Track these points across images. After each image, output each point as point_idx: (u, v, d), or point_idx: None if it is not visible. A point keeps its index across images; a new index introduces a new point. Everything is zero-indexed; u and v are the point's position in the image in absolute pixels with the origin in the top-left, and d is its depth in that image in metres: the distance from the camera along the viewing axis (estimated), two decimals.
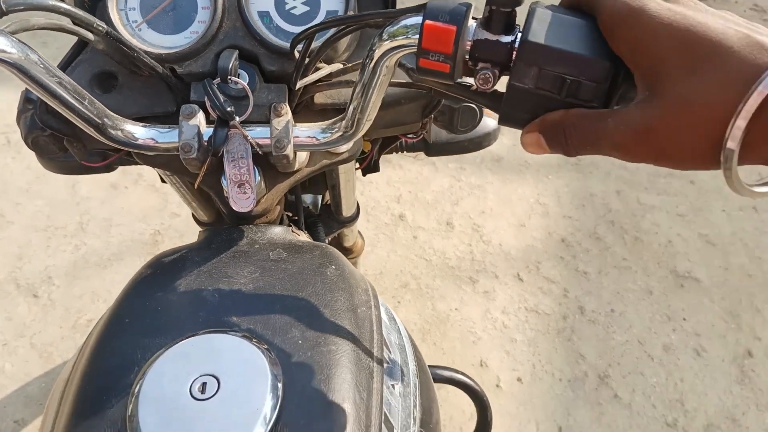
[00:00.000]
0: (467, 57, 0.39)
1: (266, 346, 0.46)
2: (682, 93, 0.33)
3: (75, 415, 0.45)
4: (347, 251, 1.17)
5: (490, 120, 0.78)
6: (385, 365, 0.52)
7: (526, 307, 1.70)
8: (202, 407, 0.42)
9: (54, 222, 1.90)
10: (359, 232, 1.23)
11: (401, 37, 0.40)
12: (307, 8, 0.57)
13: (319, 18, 0.58)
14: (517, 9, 0.37)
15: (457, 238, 1.88)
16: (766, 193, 0.34)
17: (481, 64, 0.39)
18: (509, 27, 0.38)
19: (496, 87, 0.41)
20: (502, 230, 1.91)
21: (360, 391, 0.46)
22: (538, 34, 0.36)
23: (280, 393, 0.43)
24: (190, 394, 0.43)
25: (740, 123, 0.30)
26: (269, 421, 0.42)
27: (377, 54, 0.42)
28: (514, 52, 0.38)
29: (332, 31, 0.50)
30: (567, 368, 1.57)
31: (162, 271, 0.55)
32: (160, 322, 0.49)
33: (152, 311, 0.50)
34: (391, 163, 2.09)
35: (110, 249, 1.83)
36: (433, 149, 0.80)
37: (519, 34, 0.38)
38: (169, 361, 0.45)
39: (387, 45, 0.41)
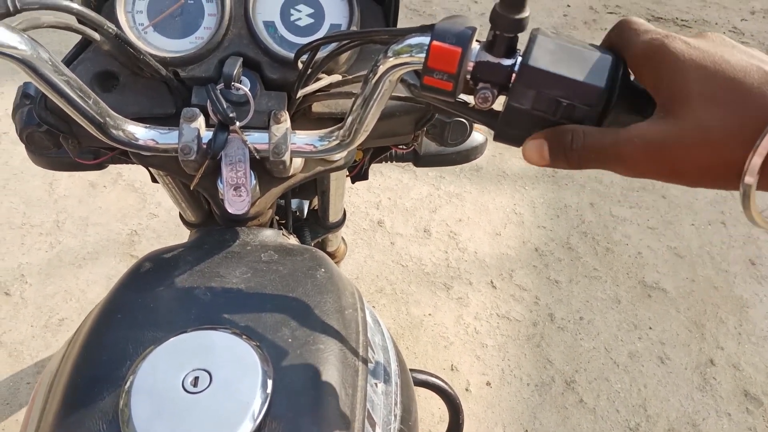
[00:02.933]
0: (469, 77, 0.41)
1: (257, 344, 0.47)
2: (702, 118, 0.34)
3: (66, 407, 0.45)
4: (330, 256, 1.19)
5: (478, 134, 0.80)
6: (369, 365, 0.54)
7: (497, 314, 1.74)
8: (194, 400, 0.43)
9: (30, 220, 1.88)
10: (342, 238, 1.25)
11: (405, 55, 0.42)
12: (312, 20, 0.59)
13: (323, 30, 0.59)
14: (519, 34, 0.40)
15: (434, 245, 1.91)
16: None
17: (481, 84, 0.41)
18: (511, 51, 0.40)
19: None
20: (478, 238, 1.94)
21: (345, 388, 0.48)
22: (538, 60, 0.39)
23: (269, 388, 0.44)
24: (183, 387, 0.44)
25: (756, 160, 0.32)
26: (258, 414, 0.43)
27: (381, 69, 0.44)
28: (514, 75, 0.40)
29: (336, 44, 0.52)
30: (535, 373, 1.61)
31: (154, 269, 0.55)
32: (153, 318, 0.50)
33: (144, 307, 0.51)
34: (373, 170, 2.10)
35: (86, 248, 1.81)
36: (422, 160, 0.82)
37: (519, 58, 0.40)
38: (161, 356, 0.45)
39: (391, 61, 0.43)
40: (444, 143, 0.69)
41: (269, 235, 0.61)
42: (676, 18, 3.09)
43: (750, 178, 0.33)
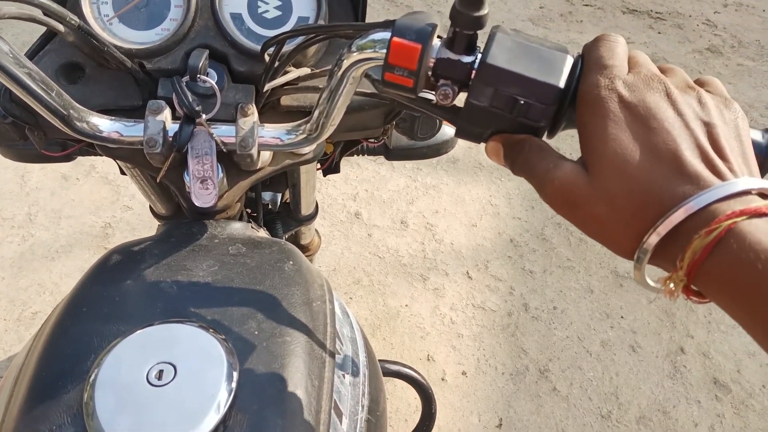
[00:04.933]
0: (430, 73, 0.41)
1: (223, 336, 0.47)
2: (610, 184, 0.35)
3: (30, 400, 0.44)
4: (304, 249, 1.19)
5: (448, 128, 0.80)
6: (336, 356, 0.54)
7: (473, 304, 1.75)
8: (158, 393, 0.43)
9: (1, 213, 1.85)
10: (316, 231, 1.25)
11: (369, 50, 0.42)
12: (279, 13, 0.59)
13: (291, 23, 0.59)
14: (479, 32, 0.40)
15: (411, 237, 1.92)
16: (657, 289, 0.37)
17: (442, 81, 0.41)
18: (471, 48, 0.40)
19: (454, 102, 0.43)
20: (454, 230, 1.96)
21: (312, 380, 0.48)
22: (496, 57, 0.39)
23: (234, 380, 0.44)
24: (147, 380, 0.43)
25: (653, 239, 0.34)
26: (223, 407, 0.43)
27: (345, 64, 0.44)
28: (473, 72, 0.40)
29: (303, 37, 0.52)
30: (509, 362, 1.63)
31: (121, 262, 0.55)
32: (118, 311, 0.50)
33: (110, 300, 0.51)
34: (350, 162, 2.11)
35: (59, 241, 1.79)
36: (392, 154, 0.82)
37: (479, 56, 0.40)
38: (126, 349, 0.45)
39: (355, 56, 0.43)
40: (414, 137, 0.70)
41: (237, 228, 0.61)
42: (650, 11, 3.13)
43: (644, 251, 0.34)
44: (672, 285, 0.34)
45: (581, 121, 0.38)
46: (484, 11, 0.38)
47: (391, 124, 0.66)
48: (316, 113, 0.51)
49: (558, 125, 0.41)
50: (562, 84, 0.39)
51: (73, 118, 0.51)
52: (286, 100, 0.60)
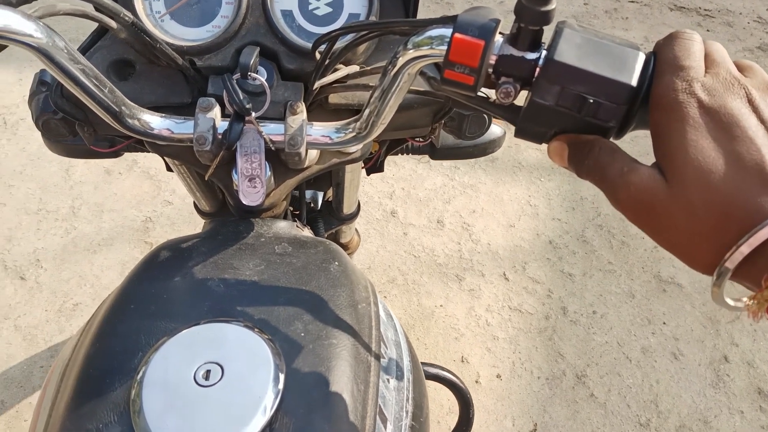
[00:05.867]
0: (490, 70, 0.40)
1: (270, 337, 0.47)
2: (691, 195, 0.33)
3: (77, 397, 0.45)
4: (343, 247, 1.18)
5: (496, 127, 0.78)
6: (381, 360, 0.53)
7: (509, 306, 1.73)
8: (205, 394, 0.43)
9: (46, 205, 1.89)
10: (356, 229, 1.25)
11: (426, 47, 0.41)
12: (330, 9, 0.58)
13: (342, 20, 0.58)
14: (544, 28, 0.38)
15: (447, 236, 1.90)
16: (736, 308, 0.35)
17: (503, 78, 0.40)
18: (535, 44, 0.39)
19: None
20: (492, 230, 1.93)
21: (357, 384, 0.47)
22: (564, 54, 0.37)
23: (281, 382, 0.44)
24: (194, 380, 0.43)
25: (736, 256, 0.32)
26: (270, 409, 0.42)
27: (401, 61, 0.43)
28: (538, 69, 0.38)
29: (354, 34, 0.51)
30: (546, 366, 1.60)
31: (168, 259, 0.55)
32: (166, 309, 0.50)
33: (158, 297, 0.51)
34: (387, 160, 2.10)
35: (101, 234, 1.83)
36: (438, 153, 0.80)
37: (544, 52, 0.38)
38: (173, 348, 0.45)
39: (411, 54, 0.42)
40: (462, 136, 0.68)
41: (283, 226, 0.61)
42: (699, 8, 3.03)
43: (730, 264, 0.32)
44: (755, 304, 0.32)
45: (656, 124, 0.36)
46: (551, 6, 0.37)
47: (440, 123, 0.64)
48: (367, 112, 0.50)
49: (627, 126, 0.39)
50: (634, 82, 0.37)
51: (124, 115, 0.51)
52: (334, 98, 0.59)
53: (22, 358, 1.53)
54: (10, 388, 1.48)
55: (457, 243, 1.89)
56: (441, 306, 1.72)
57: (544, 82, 0.38)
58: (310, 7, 0.58)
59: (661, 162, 0.35)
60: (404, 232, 1.91)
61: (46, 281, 1.70)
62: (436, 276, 1.79)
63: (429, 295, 1.74)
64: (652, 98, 0.37)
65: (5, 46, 0.42)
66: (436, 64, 0.44)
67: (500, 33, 0.40)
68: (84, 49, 0.57)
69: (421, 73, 0.46)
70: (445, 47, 0.39)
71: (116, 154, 0.72)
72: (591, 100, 0.37)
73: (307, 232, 0.65)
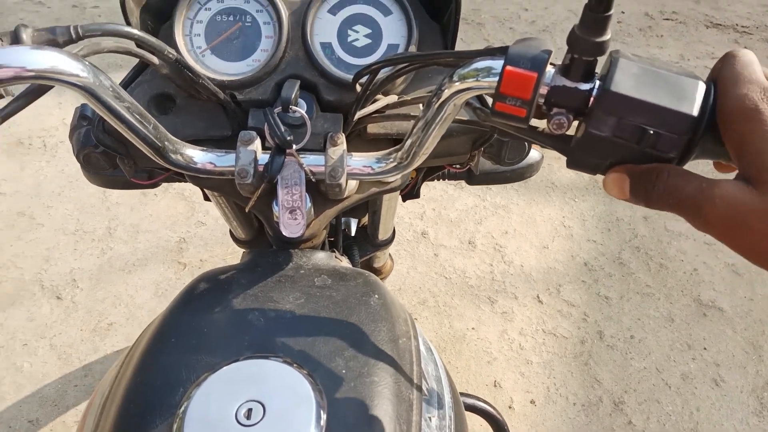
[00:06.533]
0: (542, 101, 0.39)
1: (311, 373, 0.46)
2: None
3: (119, 430, 0.44)
4: (376, 272, 1.18)
5: (534, 151, 0.77)
6: (423, 397, 0.52)
7: (543, 330, 1.69)
8: None
9: (83, 226, 1.93)
10: (390, 254, 1.24)
11: (473, 80, 0.41)
12: (369, 41, 0.58)
13: (381, 51, 0.58)
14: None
15: (479, 258, 1.88)
16: None
17: (555, 109, 0.39)
18: (589, 75, 0.38)
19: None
20: (525, 251, 1.91)
21: (400, 424, 0.46)
22: (621, 85, 0.36)
23: (323, 422, 0.43)
24: (236, 418, 0.43)
25: None
26: None
27: (446, 93, 0.43)
28: (592, 100, 0.38)
29: (394, 66, 0.51)
30: (582, 392, 1.56)
31: (208, 291, 0.55)
32: (207, 343, 0.50)
33: (198, 331, 0.51)
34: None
35: (136, 255, 1.86)
36: (476, 179, 0.79)
37: (598, 82, 0.38)
38: (215, 384, 0.45)
39: (457, 86, 0.42)
40: (501, 162, 0.67)
41: (322, 258, 0.60)
42: (736, 24, 2.98)
43: None
44: None
45: (734, 139, 0.35)
46: (606, 37, 0.36)
47: (479, 150, 0.64)
48: (409, 142, 0.50)
49: (688, 156, 0.38)
50: (695, 112, 0.36)
51: (168, 150, 0.51)
52: (373, 128, 0.59)
53: (56, 376, 1.56)
54: (44, 406, 1.50)
55: (489, 264, 1.86)
56: (473, 329, 1.69)
57: (600, 113, 0.37)
58: (349, 39, 0.58)
59: (747, 171, 0.34)
60: (435, 253, 1.89)
61: (81, 301, 1.72)
62: (467, 298, 1.77)
63: (461, 317, 1.72)
64: (722, 116, 0.36)
65: (51, 87, 0.43)
66: (478, 96, 0.43)
67: (551, 64, 0.39)
68: (125, 84, 0.58)
69: (467, 103, 0.46)
70: (493, 79, 0.39)
71: (155, 185, 0.72)
72: (651, 131, 0.36)
73: (345, 263, 0.64)
